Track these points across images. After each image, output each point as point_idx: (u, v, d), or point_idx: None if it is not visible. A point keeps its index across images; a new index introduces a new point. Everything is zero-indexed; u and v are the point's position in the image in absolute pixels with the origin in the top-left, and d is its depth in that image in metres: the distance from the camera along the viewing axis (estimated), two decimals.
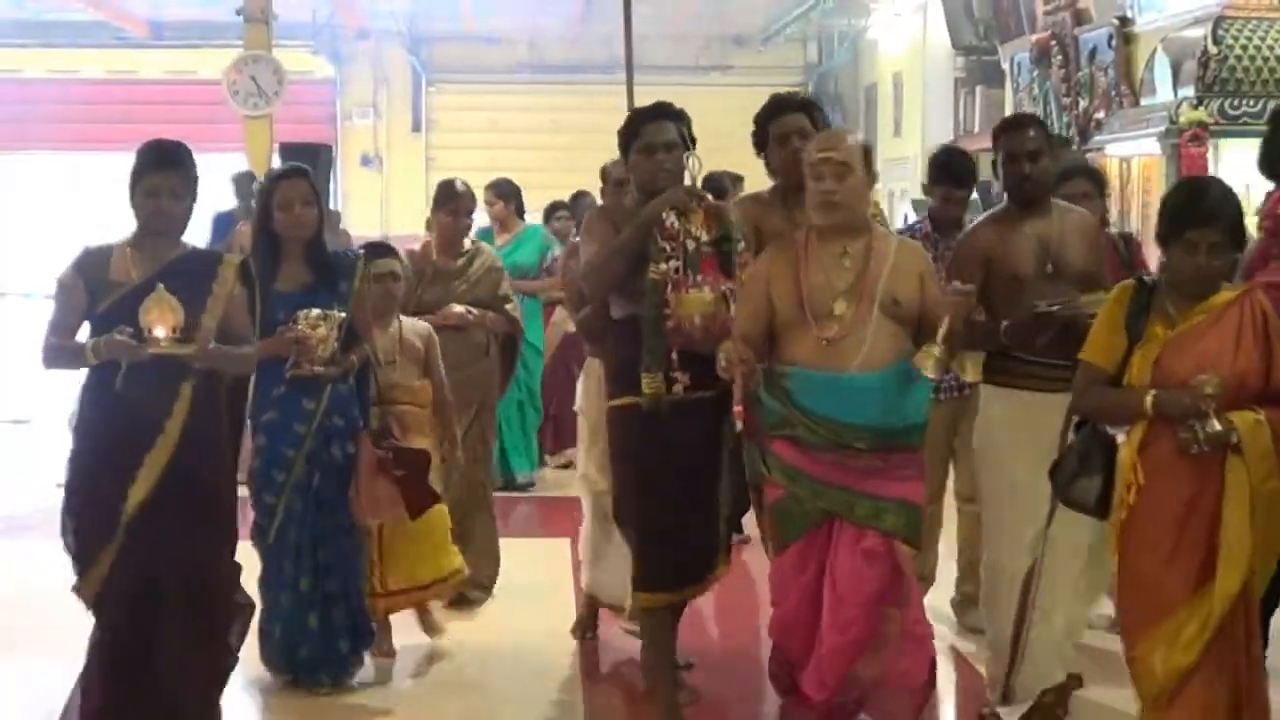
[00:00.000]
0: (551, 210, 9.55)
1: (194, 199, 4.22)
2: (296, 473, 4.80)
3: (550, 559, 6.72)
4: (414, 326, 5.49)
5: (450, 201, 6.09)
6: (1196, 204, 3.76)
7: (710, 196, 4.77)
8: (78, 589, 4.13)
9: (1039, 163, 4.58)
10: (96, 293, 4.13)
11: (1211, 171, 8.75)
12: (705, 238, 4.53)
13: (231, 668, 4.39)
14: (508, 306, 6.17)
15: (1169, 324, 3.77)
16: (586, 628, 5.65)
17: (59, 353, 4.14)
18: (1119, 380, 3.83)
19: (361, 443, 4.87)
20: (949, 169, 5.71)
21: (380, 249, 5.49)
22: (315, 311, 4.69)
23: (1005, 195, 4.67)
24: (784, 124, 4.77)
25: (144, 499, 4.03)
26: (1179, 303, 3.78)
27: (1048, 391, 4.40)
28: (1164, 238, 3.80)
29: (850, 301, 4.17)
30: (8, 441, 10.47)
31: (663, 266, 4.45)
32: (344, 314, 4.77)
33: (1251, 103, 9.08)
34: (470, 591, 5.93)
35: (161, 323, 3.98)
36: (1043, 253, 4.53)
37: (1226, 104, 9.11)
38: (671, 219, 4.49)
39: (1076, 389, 3.97)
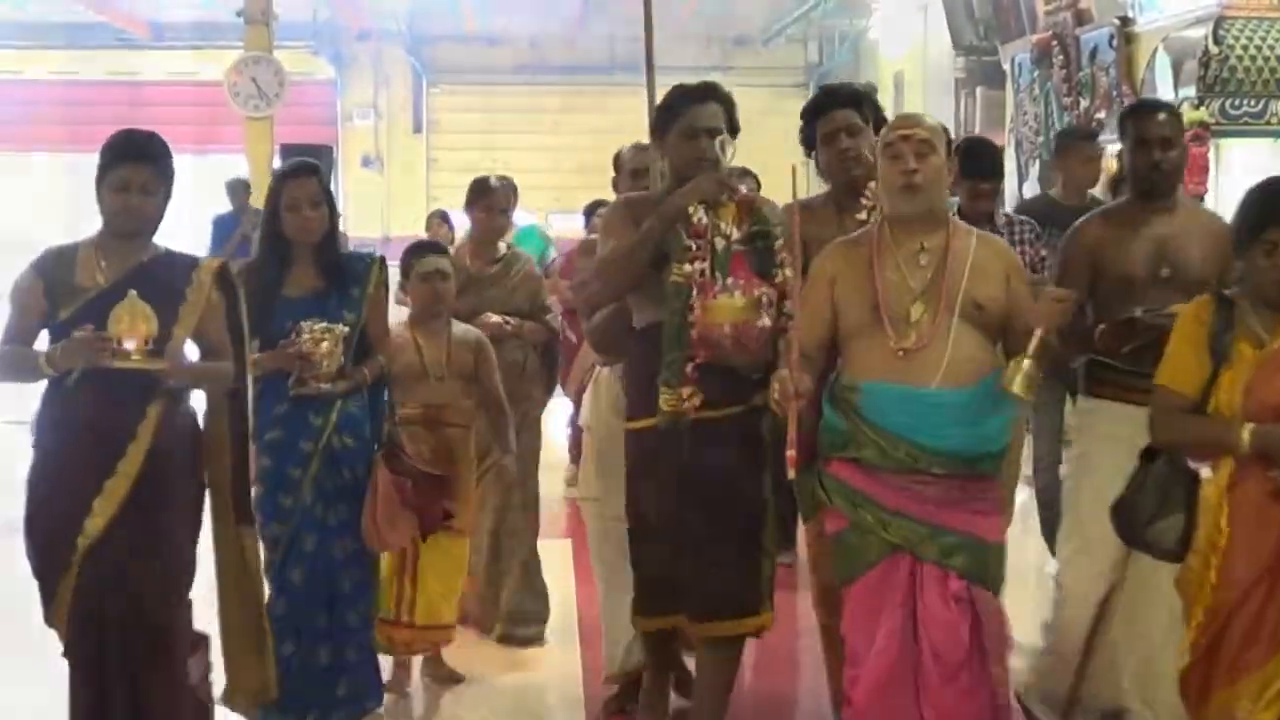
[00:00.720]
0: (593, 208, 9.52)
1: (167, 196, 3.83)
2: (304, 497, 4.39)
3: (549, 562, 6.67)
4: (464, 337, 5.11)
5: (484, 197, 5.75)
6: (1278, 200, 3.38)
7: (743, 188, 4.29)
8: (49, 622, 3.85)
9: (1170, 152, 4.22)
10: (58, 297, 3.74)
11: (1212, 172, 8.75)
12: (736, 235, 4.08)
13: (209, 708, 4.07)
14: (547, 316, 5.78)
15: (1257, 343, 3.37)
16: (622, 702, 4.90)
17: (11, 362, 3.76)
18: (1203, 406, 3.41)
19: (376, 467, 4.45)
20: (973, 160, 5.30)
21: (427, 246, 5.17)
22: (320, 324, 4.32)
23: (1129, 185, 4.34)
24: (832, 120, 4.33)
25: (102, 530, 3.70)
26: (1266, 318, 3.38)
27: (1134, 403, 3.97)
28: (1242, 243, 3.42)
29: (928, 305, 3.68)
30: (8, 442, 10.46)
31: (687, 268, 4.00)
32: (348, 326, 4.37)
33: (1252, 103, 9.07)
34: (518, 629, 5.65)
35: (133, 333, 3.61)
36: (1159, 254, 4.15)
37: (1227, 104, 9.09)
38: (699, 214, 4.04)
39: (1154, 417, 3.52)
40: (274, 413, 4.37)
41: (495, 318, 5.58)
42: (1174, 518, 3.48)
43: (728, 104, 4.22)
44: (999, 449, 3.79)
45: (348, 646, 4.48)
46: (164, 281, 3.77)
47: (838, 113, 4.33)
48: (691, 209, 4.04)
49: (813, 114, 4.39)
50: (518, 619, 5.66)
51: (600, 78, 18.05)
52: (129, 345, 3.60)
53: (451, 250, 5.81)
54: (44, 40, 19.12)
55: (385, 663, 5.02)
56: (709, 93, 4.21)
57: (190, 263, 3.92)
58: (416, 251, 5.05)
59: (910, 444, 3.65)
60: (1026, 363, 3.58)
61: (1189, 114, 9.08)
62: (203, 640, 4.14)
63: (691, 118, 4.15)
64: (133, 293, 3.64)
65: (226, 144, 13.71)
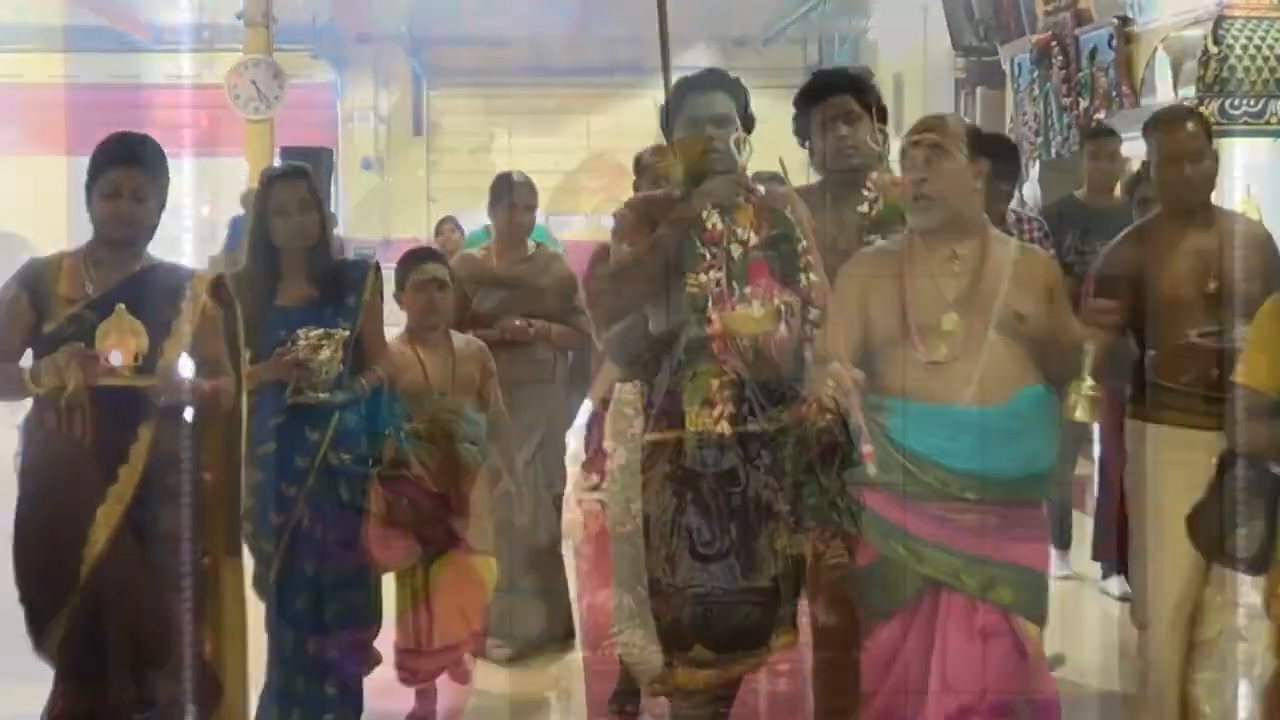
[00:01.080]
0: None
1: (161, 203, 3.64)
2: (297, 515, 4.15)
3: None
4: (466, 348, 4.85)
5: (507, 194, 5.41)
6: None
7: (761, 188, 3.94)
8: (40, 652, 3.60)
9: (1200, 164, 3.96)
10: (43, 310, 3.53)
11: None
12: (754, 239, 3.76)
13: None
14: (579, 319, 5.35)
15: None
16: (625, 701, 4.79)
17: None
18: None
19: (371, 484, 4.28)
20: (996, 161, 4.76)
21: (423, 254, 4.91)
22: (317, 331, 4.12)
23: (1159, 200, 4.11)
24: (827, 107, 4.03)
25: (98, 558, 3.48)
26: None
27: (1193, 427, 3.76)
28: None
29: (962, 315, 3.44)
30: (9, 445, 10.48)
31: (702, 278, 3.68)
32: (348, 332, 4.17)
33: (1252, 102, 9.07)
34: (498, 648, 5.39)
35: (121, 348, 3.43)
36: (1202, 269, 3.89)
37: (1227, 104, 9.09)
38: (714, 219, 3.73)
39: (1235, 419, 3.32)
40: (269, 425, 4.13)
41: (519, 321, 5.31)
42: (1253, 525, 3.29)
43: (737, 93, 3.85)
44: (1044, 470, 3.53)
45: (346, 669, 4.32)
46: (156, 293, 3.58)
47: (833, 99, 4.03)
48: (705, 213, 3.73)
49: (806, 101, 4.09)
50: (542, 637, 5.46)
51: (601, 79, 18.07)
52: (116, 361, 3.43)
53: (477, 252, 5.59)
54: (45, 44, 19.15)
55: (405, 693, 4.89)
56: (714, 80, 3.88)
57: (185, 274, 3.73)
58: (412, 259, 4.82)
59: (939, 468, 3.41)
60: (1085, 385, 3.43)
61: None
62: (215, 689, 3.86)
63: (695, 107, 3.81)
64: (120, 307, 3.46)
65: (227, 147, 13.73)
